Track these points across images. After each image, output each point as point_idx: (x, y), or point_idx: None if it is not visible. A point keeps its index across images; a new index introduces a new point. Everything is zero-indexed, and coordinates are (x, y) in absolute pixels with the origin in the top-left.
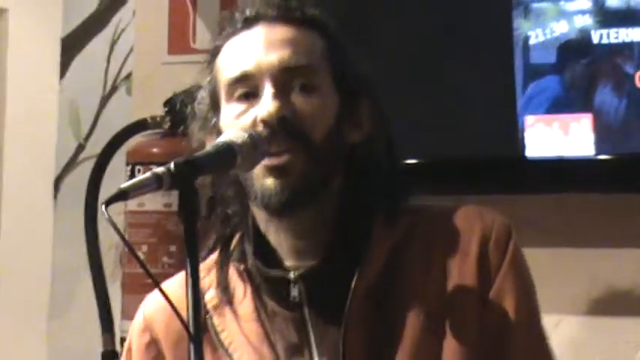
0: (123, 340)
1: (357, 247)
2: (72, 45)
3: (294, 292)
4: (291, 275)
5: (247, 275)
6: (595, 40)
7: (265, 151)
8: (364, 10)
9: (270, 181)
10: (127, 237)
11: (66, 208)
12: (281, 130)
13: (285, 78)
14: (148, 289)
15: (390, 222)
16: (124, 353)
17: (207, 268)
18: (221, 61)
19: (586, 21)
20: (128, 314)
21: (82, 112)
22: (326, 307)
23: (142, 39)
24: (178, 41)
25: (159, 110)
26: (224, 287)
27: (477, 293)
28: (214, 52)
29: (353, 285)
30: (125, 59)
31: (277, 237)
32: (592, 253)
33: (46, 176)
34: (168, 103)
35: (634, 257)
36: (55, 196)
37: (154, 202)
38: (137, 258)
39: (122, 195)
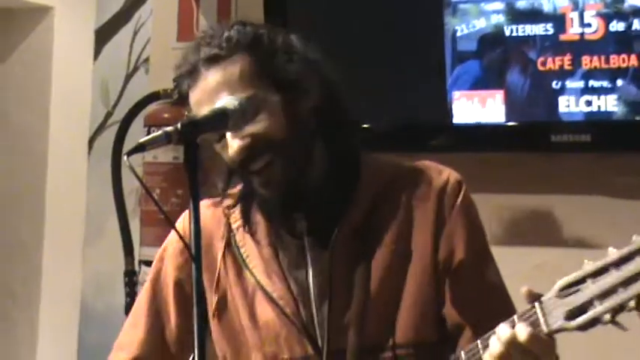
0: (141, 262)
1: (348, 193)
2: (103, 35)
3: (300, 226)
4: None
5: (264, 208)
6: (507, 33)
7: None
8: (328, 10)
9: (263, 192)
10: (144, 182)
11: (97, 161)
12: (246, 164)
13: None
14: (160, 223)
15: (375, 173)
16: (157, 256)
17: (236, 197)
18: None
19: (500, 18)
20: (145, 242)
21: (111, 87)
22: (321, 237)
23: (157, 30)
24: (185, 31)
25: (169, 85)
26: (246, 215)
27: (434, 232)
28: (185, 94)
29: (339, 225)
30: (144, 46)
31: None
32: (502, 197)
33: (82, 137)
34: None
35: (532, 200)
36: (89, 152)
37: (165, 155)
38: (153, 198)
39: (140, 148)
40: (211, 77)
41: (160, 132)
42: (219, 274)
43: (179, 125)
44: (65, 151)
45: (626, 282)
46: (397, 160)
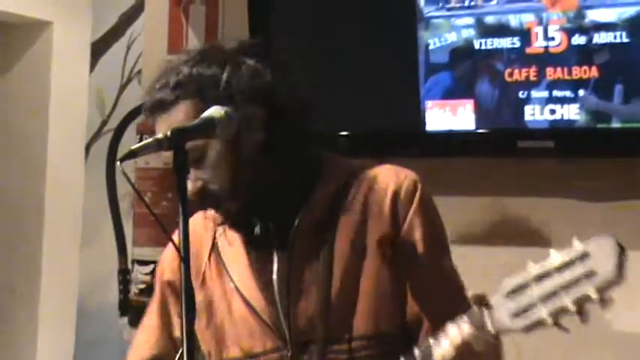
0: (134, 261)
1: (306, 192)
2: (99, 48)
3: (261, 229)
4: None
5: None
6: (476, 46)
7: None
8: (310, 25)
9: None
10: (136, 186)
11: (93, 166)
12: (202, 203)
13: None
14: (152, 225)
15: (335, 171)
16: (160, 259)
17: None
18: None
19: (470, 32)
20: (137, 242)
21: (106, 97)
22: (285, 236)
23: (149, 44)
24: (175, 45)
25: None
26: (224, 227)
27: (390, 228)
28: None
29: (296, 223)
30: (137, 59)
31: None
32: (471, 200)
33: (79, 144)
34: None
35: (499, 203)
36: (86, 158)
37: (156, 161)
38: (144, 201)
39: (132, 154)
40: (161, 122)
41: (151, 139)
42: (204, 274)
43: (169, 132)
44: (63, 157)
45: (567, 286)
46: (358, 161)
